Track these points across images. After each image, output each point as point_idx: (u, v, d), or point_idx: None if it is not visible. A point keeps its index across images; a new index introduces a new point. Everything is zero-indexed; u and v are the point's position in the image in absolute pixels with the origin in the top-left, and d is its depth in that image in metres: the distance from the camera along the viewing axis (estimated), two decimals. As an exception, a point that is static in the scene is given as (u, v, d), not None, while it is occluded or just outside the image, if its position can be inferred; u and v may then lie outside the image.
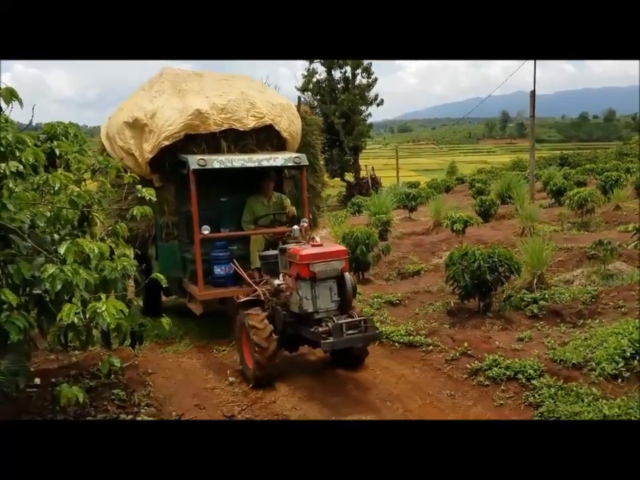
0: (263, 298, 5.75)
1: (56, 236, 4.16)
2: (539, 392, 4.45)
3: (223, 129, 6.75)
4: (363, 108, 37.95)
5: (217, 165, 6.33)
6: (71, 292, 3.57)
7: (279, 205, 7.32)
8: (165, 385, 5.38)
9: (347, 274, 5.26)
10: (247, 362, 5.48)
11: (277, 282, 5.65)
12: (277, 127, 7.09)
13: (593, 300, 6.51)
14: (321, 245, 5.35)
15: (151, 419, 4.15)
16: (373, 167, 36.50)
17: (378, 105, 38.16)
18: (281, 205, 7.33)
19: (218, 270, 6.62)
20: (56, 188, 3.72)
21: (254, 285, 6.07)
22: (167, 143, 6.48)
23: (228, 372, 5.65)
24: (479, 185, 24.62)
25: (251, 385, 5.26)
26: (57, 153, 4.21)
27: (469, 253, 6.93)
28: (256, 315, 5.34)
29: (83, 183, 4.68)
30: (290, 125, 7.30)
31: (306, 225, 6.65)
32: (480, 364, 5.04)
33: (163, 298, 8.12)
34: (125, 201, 6.50)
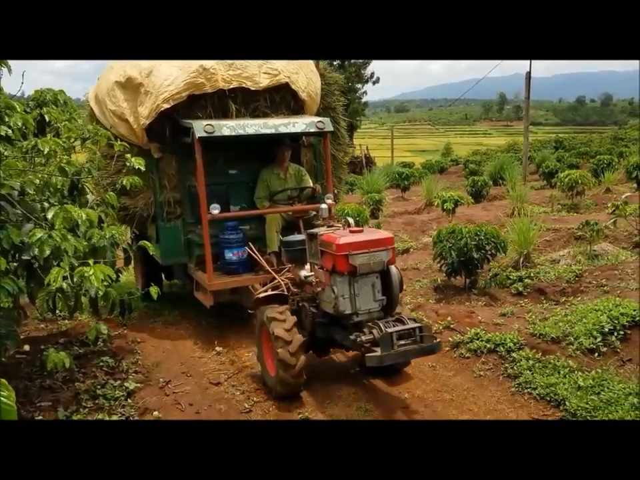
0: (286, 291, 4.86)
1: (46, 204, 4.20)
2: (518, 364, 4.57)
3: (231, 87, 5.80)
4: (359, 86, 37.74)
5: (226, 132, 5.44)
6: (60, 258, 3.62)
7: (297, 178, 6.46)
8: (153, 353, 5.47)
9: (393, 267, 4.30)
10: (269, 368, 4.57)
11: (303, 273, 4.75)
12: (293, 87, 6.12)
13: (577, 278, 6.61)
14: (361, 231, 4.31)
15: (153, 419, 4.18)
16: (367, 146, 36.43)
17: (374, 83, 37.98)
18: (300, 178, 6.48)
19: (229, 254, 5.82)
20: (45, 152, 3.72)
21: (274, 274, 5.25)
22: (166, 106, 5.58)
23: (215, 342, 5.73)
24: (472, 166, 24.73)
25: (273, 396, 4.48)
26: (47, 119, 4.22)
27: (456, 231, 7.01)
28: (282, 321, 4.32)
29: (73, 152, 4.70)
30: (308, 83, 6.30)
31: (331, 201, 5.94)
32: (462, 337, 5.14)
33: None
34: (119, 174, 5.65)
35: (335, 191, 6.64)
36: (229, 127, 5.48)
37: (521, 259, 7.54)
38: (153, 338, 5.93)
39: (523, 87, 19.15)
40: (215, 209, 5.54)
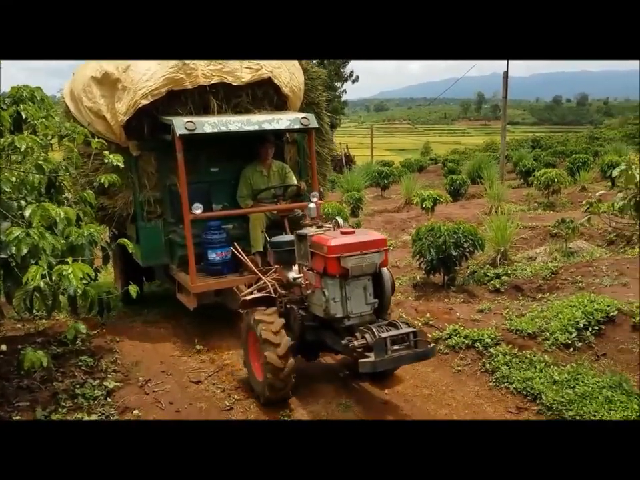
0: (273, 293, 4.73)
1: (22, 202, 4.16)
2: (495, 359, 4.65)
3: (212, 82, 5.65)
4: (338, 84, 37.78)
5: (208, 129, 5.28)
6: (37, 256, 3.60)
7: (280, 176, 6.33)
8: (132, 352, 5.43)
9: (385, 269, 4.21)
10: (256, 373, 4.44)
11: (292, 275, 4.64)
12: (276, 81, 5.98)
13: (553, 275, 6.73)
14: (353, 232, 4.18)
15: (133, 418, 4.15)
16: (347, 145, 36.53)
17: (353, 81, 38.04)
18: (283, 176, 6.34)
19: (213, 255, 5.66)
20: (22, 149, 3.68)
21: (260, 275, 5.15)
22: (145, 102, 5.42)
23: (196, 340, 5.71)
24: (450, 165, 24.94)
25: (261, 402, 4.34)
26: (24, 116, 4.17)
27: (435, 229, 7.09)
28: (270, 324, 4.18)
29: (50, 149, 4.66)
30: (291, 78, 6.18)
31: (317, 199, 5.84)
32: (440, 333, 5.21)
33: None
34: (97, 172, 5.51)
35: (320, 189, 6.51)
36: (210, 124, 5.32)
37: (498, 257, 7.65)
38: (132, 337, 5.89)
39: (501, 86, 19.39)
40: (198, 209, 5.39)
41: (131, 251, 4.53)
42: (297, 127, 5.77)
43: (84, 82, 5.86)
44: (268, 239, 5.62)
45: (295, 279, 4.56)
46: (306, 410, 4.26)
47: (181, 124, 5.18)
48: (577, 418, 3.80)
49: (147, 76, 5.42)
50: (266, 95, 6.11)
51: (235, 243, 5.66)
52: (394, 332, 3.82)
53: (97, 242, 4.46)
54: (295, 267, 4.67)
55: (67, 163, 4.76)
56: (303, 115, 5.90)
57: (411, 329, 3.88)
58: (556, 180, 13.23)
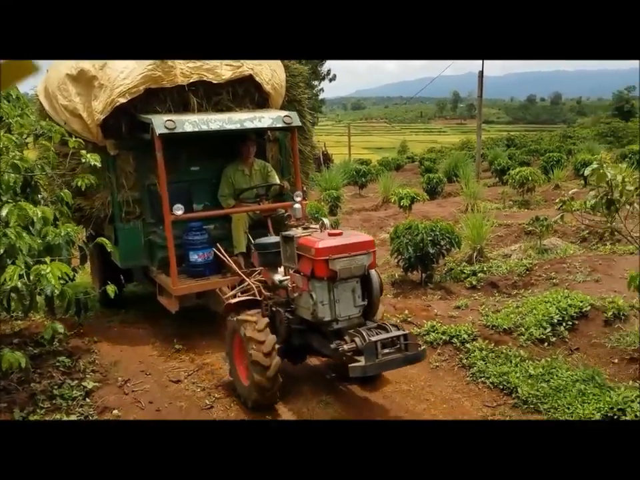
0: (258, 295, 4.66)
1: (-2, 201, 4.11)
2: (472, 354, 4.75)
3: (192, 81, 5.52)
4: (315, 83, 37.80)
5: (189, 128, 5.16)
6: (15, 256, 3.56)
7: (262, 175, 6.21)
8: (111, 353, 5.40)
9: (373, 271, 4.13)
10: (242, 378, 4.35)
11: (277, 277, 4.54)
12: (257, 79, 5.86)
13: (527, 272, 6.86)
14: (340, 234, 4.07)
15: (113, 417, 4.12)
16: (325, 143, 36.56)
17: (330, 80, 38.08)
18: (266, 175, 6.23)
19: (194, 256, 5.55)
20: (-3, 148, 3.64)
21: (245, 277, 5.03)
22: (122, 100, 5.28)
23: (175, 340, 5.70)
24: (427, 164, 25.16)
25: (249, 406, 4.25)
26: (-2, 115, 4.12)
27: (412, 227, 7.17)
28: (254, 323, 4.13)
29: (26, 148, 4.61)
30: (273, 75, 6.07)
31: (300, 199, 5.73)
32: (419, 330, 5.28)
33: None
34: (74, 172, 5.36)
35: (304, 188, 6.41)
36: (191, 123, 5.20)
37: (475, 254, 7.78)
38: (110, 337, 5.85)
39: (476, 85, 19.62)
40: (179, 210, 5.26)
41: (109, 250, 4.49)
42: (279, 125, 5.68)
43: (59, 79, 5.70)
44: (251, 240, 5.56)
45: (281, 281, 4.46)
46: (286, 407, 4.29)
47: (161, 123, 5.05)
48: (552, 411, 3.90)
49: (124, 74, 5.28)
50: (247, 92, 6.00)
51: (218, 244, 5.56)
52: (384, 335, 3.73)
53: (74, 242, 4.43)
54: (281, 269, 4.57)
55: (43, 162, 4.71)
56: (286, 113, 5.79)
57: (401, 332, 3.79)
58: (530, 178, 13.46)
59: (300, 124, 5.95)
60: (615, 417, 3.64)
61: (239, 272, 5.16)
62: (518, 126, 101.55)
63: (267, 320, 4.18)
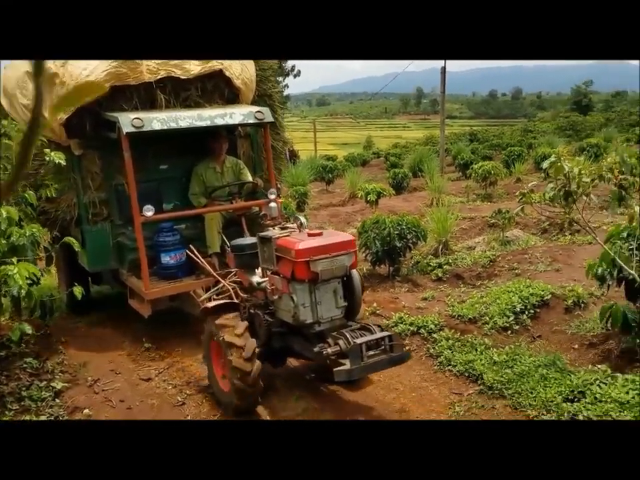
0: (235, 297, 4.55)
1: (-41, 202, 4.03)
2: (439, 344, 4.87)
3: (159, 77, 5.33)
4: (280, 79, 37.69)
5: (157, 126, 4.98)
6: (-22, 257, 3.52)
7: (234, 172, 6.05)
8: (79, 353, 5.34)
9: (354, 271, 4.03)
10: (221, 384, 4.23)
11: (255, 279, 4.40)
12: (227, 74, 5.69)
13: (491, 263, 7.05)
14: (320, 234, 3.97)
15: (84, 417, 4.09)
16: (291, 139, 36.49)
17: (295, 76, 38.02)
18: (238, 172, 6.07)
19: (166, 258, 5.40)
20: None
21: (220, 279, 4.89)
22: (86, 99, 5.15)
23: (143, 339, 5.67)
24: (393, 159, 25.40)
25: (229, 413, 4.13)
26: (-42, 114, 4.03)
27: (379, 221, 7.28)
28: (232, 327, 4.00)
29: (-13, 147, 4.52)
30: (242, 70, 5.89)
31: (275, 197, 5.64)
32: (387, 321, 5.38)
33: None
34: (37, 172, 5.28)
35: (278, 185, 6.27)
36: (159, 120, 5.01)
37: (440, 247, 7.94)
38: (77, 338, 5.78)
39: (439, 81, 19.90)
40: (149, 211, 5.06)
41: (77, 249, 4.43)
42: (251, 121, 5.55)
43: (18, 77, 5.46)
44: (225, 240, 5.45)
45: (259, 283, 4.33)
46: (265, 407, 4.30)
47: (128, 121, 4.86)
48: (516, 396, 4.04)
49: (87, 71, 5.05)
50: (216, 88, 5.83)
51: (191, 245, 5.40)
52: (369, 337, 3.64)
53: (39, 242, 4.37)
54: (258, 271, 4.45)
55: (5, 162, 4.62)
56: (258, 108, 5.67)
57: (385, 333, 3.72)
58: (492, 172, 13.76)
59: (272, 120, 5.81)
60: (576, 400, 3.80)
61: (214, 274, 5.01)
62: (480, 121, 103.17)
63: (246, 324, 4.06)
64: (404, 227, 7.12)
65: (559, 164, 3.81)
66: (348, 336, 3.67)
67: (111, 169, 5.61)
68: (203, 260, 5.25)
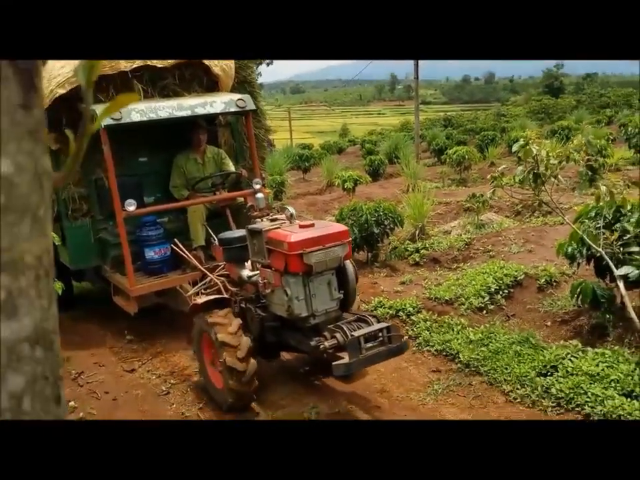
0: (225, 292, 4.41)
1: None
2: (417, 325, 5.00)
3: (135, 66, 5.23)
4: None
5: (136, 118, 4.86)
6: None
7: (216, 162, 5.92)
8: (62, 348, 5.29)
9: (348, 262, 3.94)
10: (214, 381, 4.15)
11: (245, 273, 4.27)
12: (205, 61, 5.59)
13: (466, 246, 7.21)
14: (312, 225, 3.85)
15: (69, 409, 4.10)
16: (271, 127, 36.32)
17: (268, 64, 37.79)
18: (219, 162, 5.93)
19: (150, 253, 5.27)
20: None
21: (208, 273, 4.75)
22: (62, 91, 4.93)
23: (125, 331, 5.71)
24: (368, 146, 25.46)
25: (223, 409, 4.04)
26: None
27: (357, 208, 7.38)
28: (226, 325, 3.88)
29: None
30: None
31: (259, 186, 5.47)
32: (367, 306, 5.49)
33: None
34: None
35: (262, 175, 6.09)
36: (138, 112, 4.88)
37: (417, 232, 8.07)
38: (61, 333, 5.77)
39: (412, 67, 19.99)
40: (131, 205, 4.90)
41: (56, 243, 4.41)
42: (232, 109, 5.41)
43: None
44: (210, 232, 5.38)
45: (250, 277, 4.19)
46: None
47: None
48: (491, 372, 4.19)
49: (61, 63, 4.93)
50: (195, 76, 5.73)
51: (176, 240, 5.23)
52: (367, 329, 3.55)
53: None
54: (248, 264, 4.34)
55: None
56: (239, 96, 5.52)
57: (383, 325, 3.63)
58: (466, 157, 13.95)
59: (254, 107, 5.69)
60: (548, 374, 3.95)
61: (202, 268, 4.87)
62: (454, 106, 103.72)
63: (239, 321, 3.95)
64: (381, 214, 7.23)
65: (527, 147, 3.93)
66: (345, 329, 3.58)
67: (89, 163, 5.45)
68: (188, 254, 5.11)
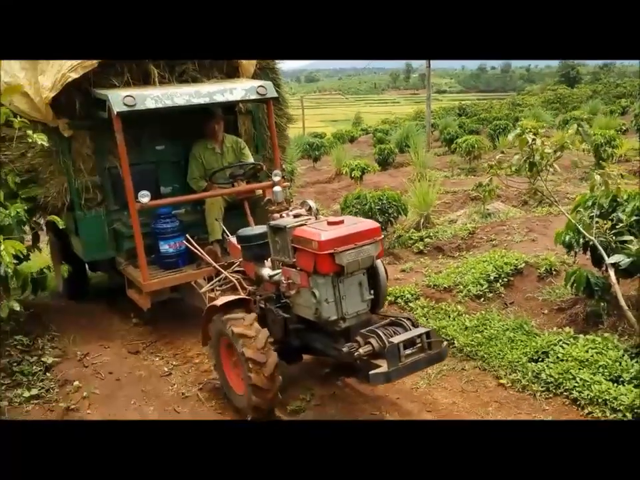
0: (241, 290, 4.17)
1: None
2: (414, 312, 5.07)
3: None
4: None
5: (151, 104, 4.63)
6: (-35, 237, 3.62)
7: (235, 152, 5.72)
8: (69, 329, 5.49)
9: (379, 261, 3.66)
10: (235, 387, 3.92)
11: (266, 272, 4.02)
12: None
13: (470, 235, 7.24)
14: (342, 222, 3.52)
15: (74, 389, 4.25)
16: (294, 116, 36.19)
17: (282, 53, 37.63)
18: (239, 152, 5.73)
19: (165, 246, 5.13)
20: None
21: (223, 271, 4.44)
22: (74, 75, 4.71)
23: (132, 314, 5.83)
24: (379, 135, 25.40)
25: (250, 417, 3.71)
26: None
27: (361, 197, 7.45)
28: (253, 338, 3.58)
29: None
30: None
31: (279, 178, 5.29)
32: (366, 293, 5.57)
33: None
34: (23, 157, 4.99)
35: (283, 166, 5.81)
36: (153, 98, 4.64)
37: (422, 220, 8.11)
38: (67, 315, 5.93)
39: (425, 56, 19.85)
40: (145, 197, 4.69)
41: (61, 226, 4.48)
42: (253, 97, 5.17)
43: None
44: (224, 228, 5.13)
45: (271, 276, 3.93)
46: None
47: (119, 99, 4.50)
48: (485, 357, 4.26)
49: None
50: (215, 61, 5.52)
51: (188, 235, 4.95)
52: (405, 335, 3.27)
53: (25, 222, 4.46)
54: (268, 262, 4.07)
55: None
56: (260, 83, 5.28)
57: (423, 330, 3.34)
58: (476, 146, 13.89)
59: (276, 94, 5.46)
60: (540, 360, 4.01)
61: (216, 266, 4.55)
62: (470, 94, 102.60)
63: (266, 333, 3.65)
64: (385, 202, 7.29)
65: (522, 136, 3.97)
66: (381, 334, 3.32)
67: (103, 150, 5.32)
68: (202, 250, 4.78)
